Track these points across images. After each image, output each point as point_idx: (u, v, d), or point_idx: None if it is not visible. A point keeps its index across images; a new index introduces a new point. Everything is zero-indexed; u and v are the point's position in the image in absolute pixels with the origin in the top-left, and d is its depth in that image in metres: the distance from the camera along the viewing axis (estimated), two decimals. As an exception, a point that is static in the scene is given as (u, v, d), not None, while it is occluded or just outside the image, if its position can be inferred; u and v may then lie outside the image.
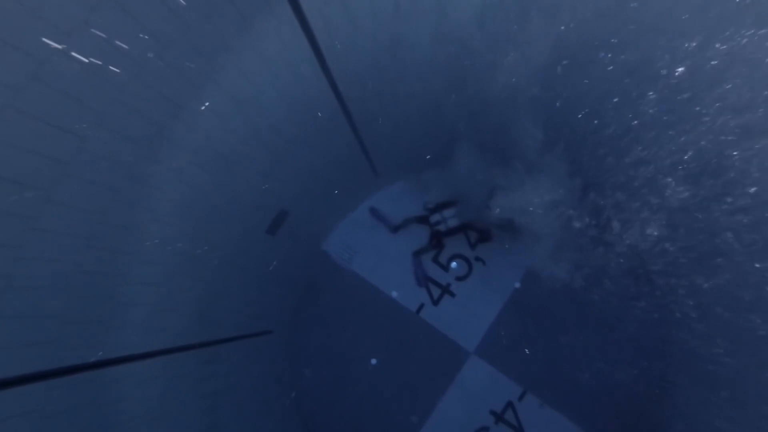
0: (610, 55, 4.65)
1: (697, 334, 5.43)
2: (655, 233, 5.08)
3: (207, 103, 3.57)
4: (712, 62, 4.00)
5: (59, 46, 2.40)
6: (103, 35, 2.58)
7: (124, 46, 2.72)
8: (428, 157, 6.74)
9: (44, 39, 2.35)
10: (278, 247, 5.85)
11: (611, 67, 4.73)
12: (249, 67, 3.68)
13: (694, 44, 4.06)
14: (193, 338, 4.55)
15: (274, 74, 3.95)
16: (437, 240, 6.78)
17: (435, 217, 6.62)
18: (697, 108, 4.26)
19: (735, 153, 4.20)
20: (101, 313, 3.46)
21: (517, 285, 6.78)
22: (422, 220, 6.76)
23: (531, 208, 5.60)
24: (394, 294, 6.88)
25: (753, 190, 4.20)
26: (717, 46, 3.95)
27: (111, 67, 2.73)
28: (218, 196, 4.37)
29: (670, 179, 4.71)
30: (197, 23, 3.05)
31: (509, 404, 6.55)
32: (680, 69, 4.22)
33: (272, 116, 4.32)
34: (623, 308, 6.14)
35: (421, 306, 6.85)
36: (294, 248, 6.34)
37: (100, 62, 2.64)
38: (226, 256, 4.88)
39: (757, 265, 4.43)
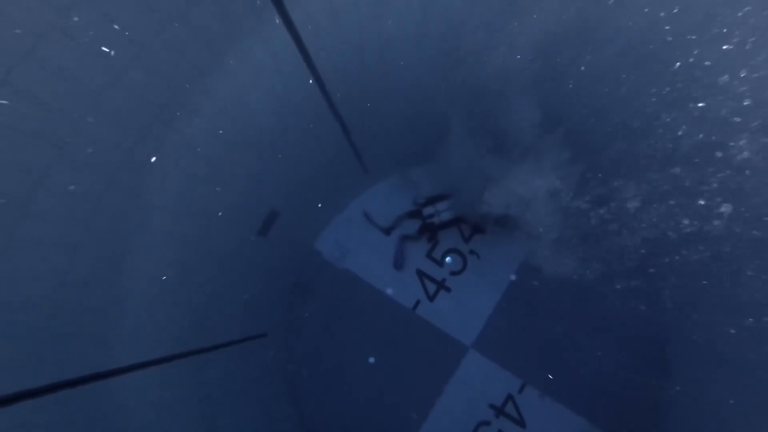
0: (612, 34, 4.51)
1: (696, 318, 5.41)
2: (654, 219, 5.03)
3: (192, 109, 3.47)
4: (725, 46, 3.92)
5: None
6: (86, 40, 2.48)
7: (109, 51, 2.62)
8: (418, 151, 6.66)
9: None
10: (270, 248, 5.77)
11: (613, 46, 4.59)
12: (233, 68, 3.58)
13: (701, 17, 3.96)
14: (187, 345, 4.47)
15: (258, 73, 3.85)
16: (431, 233, 6.71)
17: (428, 210, 6.55)
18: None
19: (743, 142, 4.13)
20: (90, 326, 3.36)
21: (513, 277, 6.74)
22: (414, 214, 6.69)
23: (526, 200, 5.53)
24: (389, 291, 6.82)
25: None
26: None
27: (92, 74, 2.63)
28: (207, 201, 4.28)
29: (677, 169, 4.65)
30: (182, 30, 2.95)
31: (509, 397, 6.53)
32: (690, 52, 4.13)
33: (257, 117, 4.22)
34: (621, 295, 6.11)
35: (417, 302, 6.80)
36: (286, 249, 6.26)
37: (82, 69, 2.54)
38: (218, 261, 4.80)
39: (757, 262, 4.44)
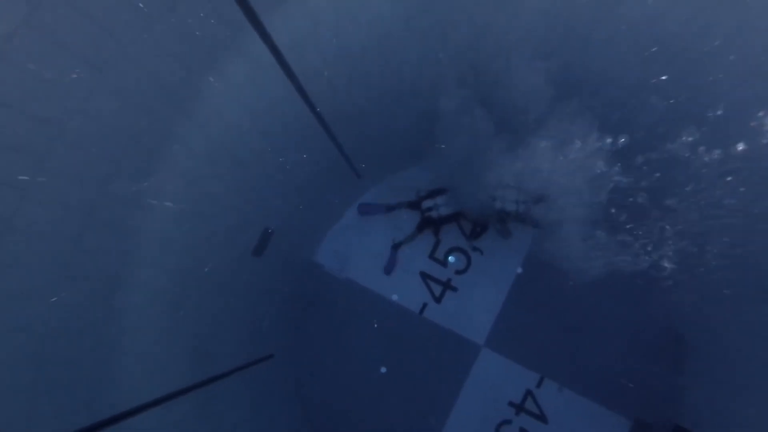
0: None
1: (713, 305, 5.25)
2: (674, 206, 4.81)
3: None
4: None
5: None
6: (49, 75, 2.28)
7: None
8: (412, 149, 6.46)
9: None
10: (269, 267, 5.57)
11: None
12: (213, 91, 3.39)
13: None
14: (191, 379, 4.27)
15: (238, 89, 3.66)
16: (435, 228, 6.50)
17: (427, 203, 6.34)
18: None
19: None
20: (85, 373, 3.16)
21: (519, 270, 6.58)
22: (414, 205, 6.47)
23: (529, 192, 5.33)
24: (395, 297, 6.64)
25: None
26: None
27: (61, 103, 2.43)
28: (198, 227, 4.08)
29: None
30: (159, 57, 2.76)
31: (528, 393, 6.37)
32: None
33: (243, 137, 4.03)
34: (635, 281, 5.93)
35: (424, 306, 6.62)
36: (285, 266, 6.07)
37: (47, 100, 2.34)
38: (215, 287, 4.60)
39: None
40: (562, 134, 4.89)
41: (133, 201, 3.24)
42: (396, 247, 6.59)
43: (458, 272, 6.67)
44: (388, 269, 6.64)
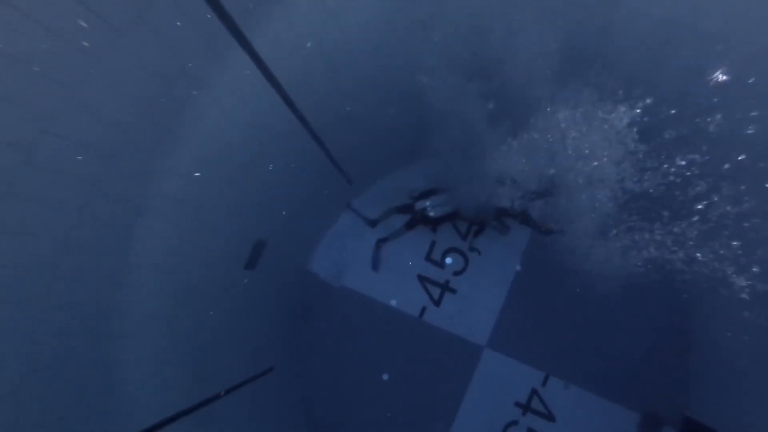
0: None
1: (719, 291, 5.15)
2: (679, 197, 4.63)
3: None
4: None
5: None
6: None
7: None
8: (401, 151, 6.33)
9: None
10: (264, 279, 5.43)
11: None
12: (193, 101, 3.26)
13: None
14: (191, 400, 4.14)
15: (221, 101, 3.53)
16: (433, 225, 6.34)
17: (420, 204, 6.15)
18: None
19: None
20: (87, 404, 3.03)
21: (518, 268, 6.49)
22: (406, 209, 6.30)
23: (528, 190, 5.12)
24: (393, 302, 6.53)
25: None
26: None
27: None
28: (191, 246, 3.95)
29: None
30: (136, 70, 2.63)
31: (533, 392, 6.28)
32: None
33: (232, 151, 3.90)
34: (636, 275, 5.83)
35: (423, 309, 6.52)
36: (281, 277, 5.93)
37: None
38: (211, 304, 4.46)
39: None
40: (571, 112, 4.67)
41: (119, 224, 3.11)
42: (381, 241, 6.45)
43: (456, 273, 6.57)
44: (375, 265, 6.50)
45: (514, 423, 6.21)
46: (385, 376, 6.36)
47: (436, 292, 6.56)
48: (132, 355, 3.52)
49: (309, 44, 3.87)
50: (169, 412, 3.84)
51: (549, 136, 4.87)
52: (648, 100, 4.47)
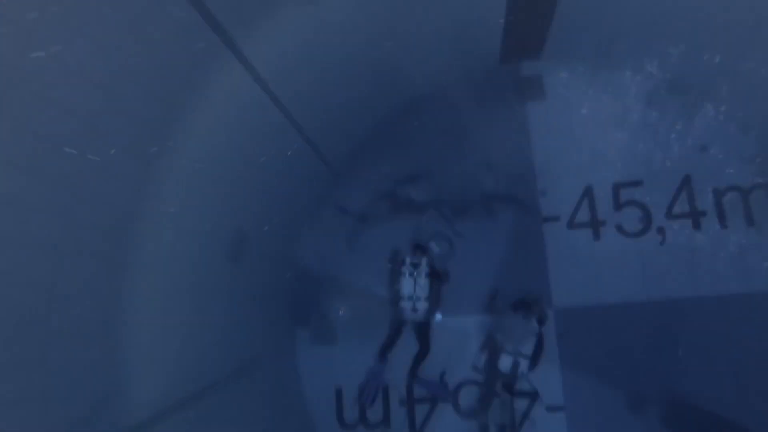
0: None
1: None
2: None
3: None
4: None
5: None
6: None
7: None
8: (379, 133, 6.22)
9: None
10: (249, 272, 5.37)
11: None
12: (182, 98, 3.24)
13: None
14: (181, 394, 4.10)
15: (208, 99, 3.50)
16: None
17: (402, 188, 6.12)
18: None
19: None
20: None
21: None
22: (389, 195, 6.26)
23: None
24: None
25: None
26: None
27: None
28: (177, 244, 3.93)
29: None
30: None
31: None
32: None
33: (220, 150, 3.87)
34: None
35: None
36: (267, 270, 5.88)
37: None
38: (198, 300, 4.41)
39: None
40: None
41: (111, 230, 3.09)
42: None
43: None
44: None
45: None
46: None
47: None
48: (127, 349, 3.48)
49: (292, 35, 3.83)
50: (162, 406, 3.82)
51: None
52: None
